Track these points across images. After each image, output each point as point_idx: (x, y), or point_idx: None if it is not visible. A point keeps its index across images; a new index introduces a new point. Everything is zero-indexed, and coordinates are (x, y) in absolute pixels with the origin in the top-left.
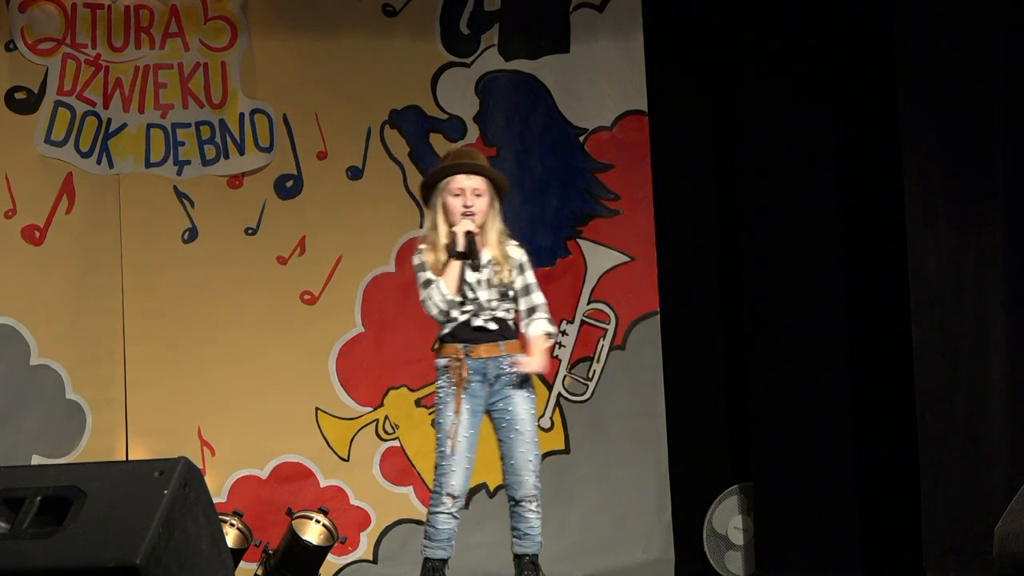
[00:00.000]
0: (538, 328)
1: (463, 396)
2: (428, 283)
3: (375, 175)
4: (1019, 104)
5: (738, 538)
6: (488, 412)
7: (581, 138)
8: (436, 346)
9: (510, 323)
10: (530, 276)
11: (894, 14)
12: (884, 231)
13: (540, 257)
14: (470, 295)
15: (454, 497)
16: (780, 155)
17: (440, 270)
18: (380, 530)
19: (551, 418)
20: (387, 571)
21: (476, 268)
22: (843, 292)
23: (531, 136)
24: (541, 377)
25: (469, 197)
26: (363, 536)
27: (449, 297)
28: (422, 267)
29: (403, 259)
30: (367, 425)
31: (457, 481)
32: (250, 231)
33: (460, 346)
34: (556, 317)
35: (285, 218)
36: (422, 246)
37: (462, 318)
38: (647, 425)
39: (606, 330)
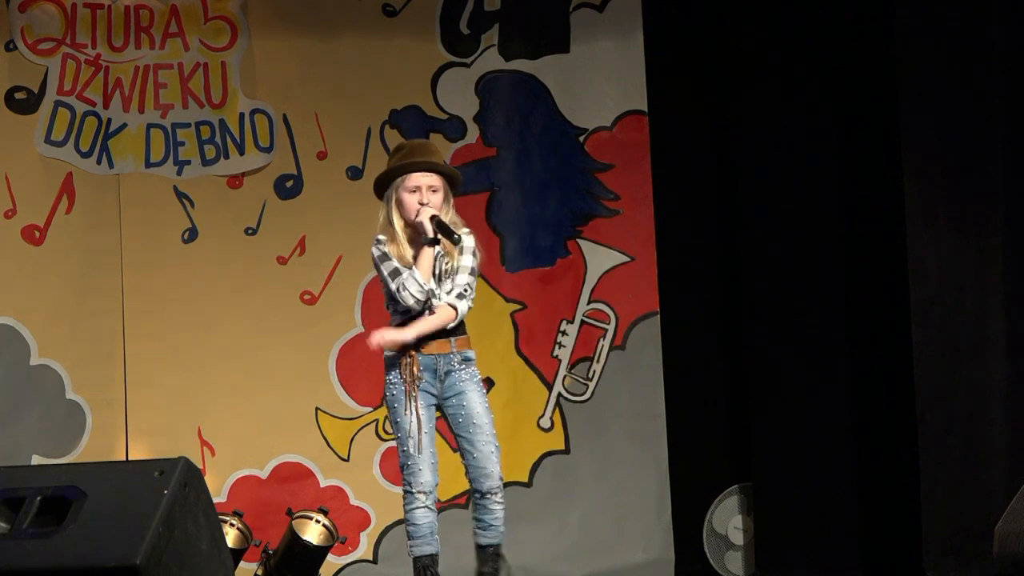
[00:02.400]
0: (450, 309)
1: (416, 393)
2: (397, 272)
3: (375, 175)
4: (1019, 104)
5: (738, 538)
6: (441, 409)
7: (581, 138)
8: None
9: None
10: (468, 260)
11: (894, 14)
12: (884, 231)
13: (540, 257)
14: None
15: (426, 493)
16: (780, 155)
17: (406, 261)
18: (380, 530)
19: (551, 418)
20: (387, 571)
21: (456, 243)
22: (843, 292)
23: (531, 136)
24: (541, 377)
25: (425, 194)
26: (363, 536)
27: (427, 286)
28: (385, 257)
29: None
30: (367, 425)
31: (427, 478)
32: (250, 231)
33: None
34: (556, 317)
35: (285, 218)
36: (381, 237)
37: (415, 312)
38: (647, 425)
39: (606, 330)
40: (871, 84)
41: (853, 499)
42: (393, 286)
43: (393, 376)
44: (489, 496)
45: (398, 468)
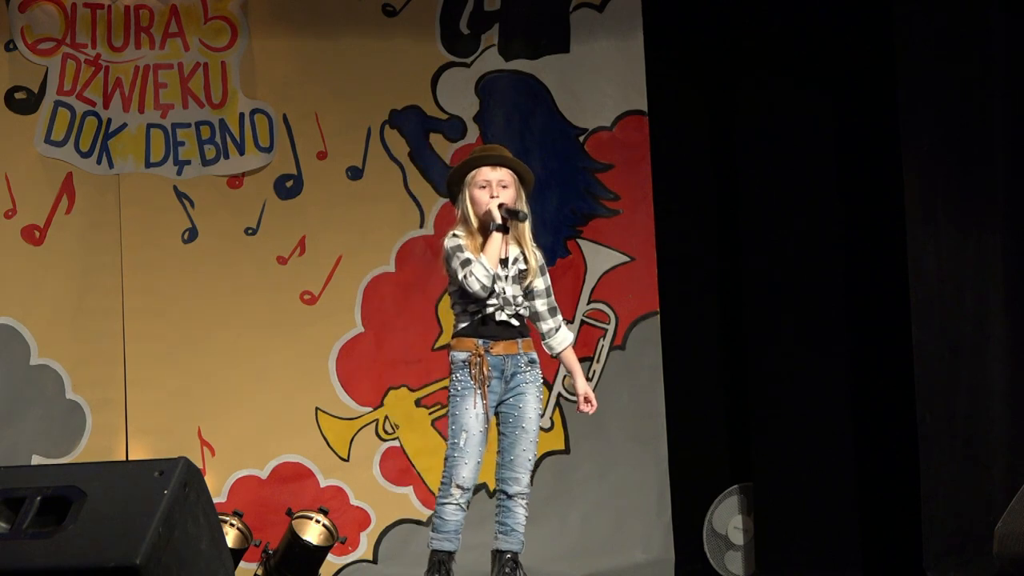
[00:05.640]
0: (569, 337)
1: (484, 391)
2: (468, 261)
3: (375, 175)
4: (1019, 104)
5: (738, 538)
6: (496, 407)
7: (581, 138)
8: (452, 340)
9: (526, 321)
10: (548, 278)
11: (894, 13)
12: (884, 231)
13: None
14: (497, 288)
15: (463, 489)
16: (780, 155)
17: (478, 250)
18: (380, 530)
19: (551, 418)
20: (387, 571)
21: (523, 219)
22: (843, 292)
23: (531, 136)
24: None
25: (495, 189)
26: (363, 536)
27: (493, 271)
28: (459, 248)
29: (403, 259)
30: (367, 425)
31: (468, 473)
32: (250, 231)
33: (479, 341)
34: None
35: (285, 218)
36: (458, 230)
37: (486, 311)
38: (647, 425)
39: (606, 330)
40: (871, 83)
41: (853, 499)
42: (461, 274)
43: (461, 375)
44: (516, 499)
45: (398, 469)
